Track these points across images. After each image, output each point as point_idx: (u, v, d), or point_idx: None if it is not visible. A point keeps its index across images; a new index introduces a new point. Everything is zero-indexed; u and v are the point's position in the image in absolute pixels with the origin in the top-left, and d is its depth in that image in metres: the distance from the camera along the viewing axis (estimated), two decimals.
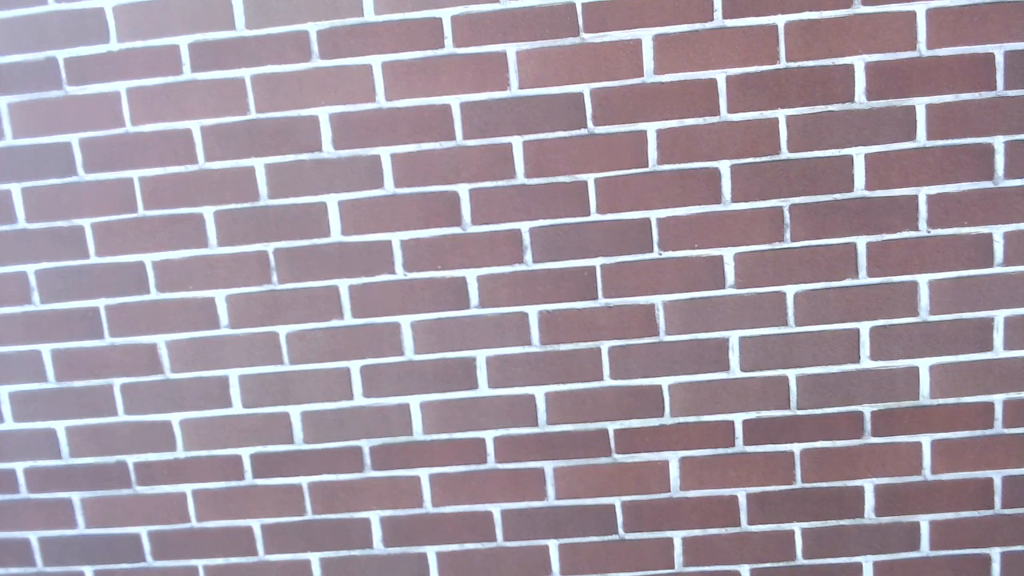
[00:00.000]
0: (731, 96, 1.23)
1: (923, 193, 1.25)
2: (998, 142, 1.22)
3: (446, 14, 1.24)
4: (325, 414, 1.38)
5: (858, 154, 1.24)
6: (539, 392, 1.35)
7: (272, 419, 1.39)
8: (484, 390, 1.36)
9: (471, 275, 1.31)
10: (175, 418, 1.40)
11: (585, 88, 1.25)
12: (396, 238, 1.31)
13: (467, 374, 1.35)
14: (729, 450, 1.36)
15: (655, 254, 1.29)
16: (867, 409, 1.32)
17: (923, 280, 1.27)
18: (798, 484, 1.36)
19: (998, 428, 1.32)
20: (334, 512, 1.41)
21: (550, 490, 1.38)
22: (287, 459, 1.40)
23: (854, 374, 1.31)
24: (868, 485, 1.35)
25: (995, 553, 1.36)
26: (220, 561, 1.44)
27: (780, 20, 1.21)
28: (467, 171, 1.28)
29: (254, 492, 1.41)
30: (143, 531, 1.44)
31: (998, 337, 1.29)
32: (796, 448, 1.35)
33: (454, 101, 1.27)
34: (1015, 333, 1.28)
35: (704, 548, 1.39)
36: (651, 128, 1.25)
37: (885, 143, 1.23)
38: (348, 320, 1.34)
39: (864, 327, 1.29)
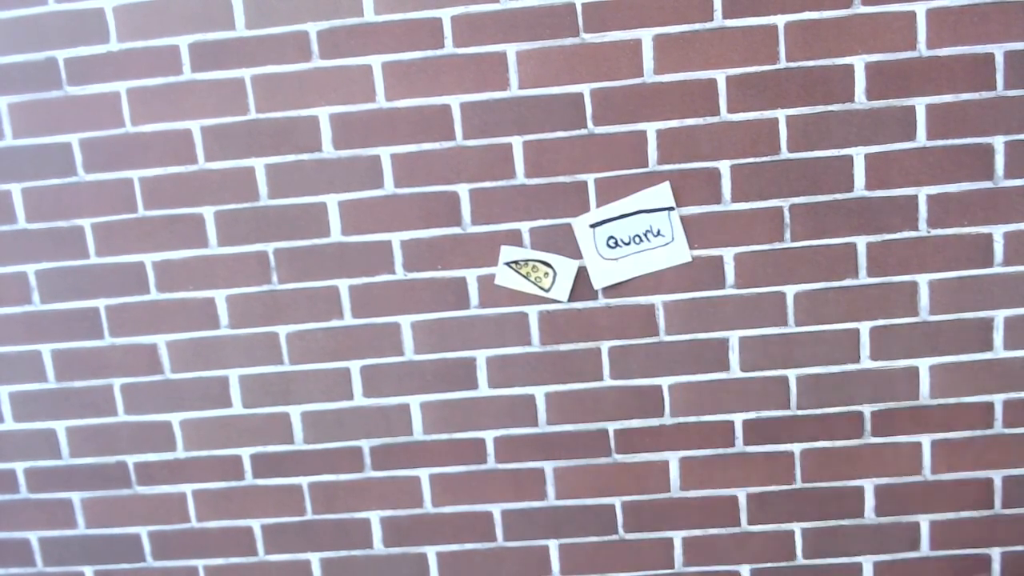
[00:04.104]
0: (731, 96, 1.23)
1: (923, 193, 1.25)
2: (998, 142, 1.22)
3: (446, 14, 1.24)
4: (325, 414, 1.38)
5: (858, 154, 1.24)
6: (539, 392, 1.35)
7: (272, 419, 1.39)
8: (484, 390, 1.36)
9: (471, 275, 1.31)
10: (175, 418, 1.40)
11: (585, 88, 1.25)
12: (396, 238, 1.31)
13: (467, 374, 1.35)
14: (729, 450, 1.35)
15: None
16: (867, 409, 1.32)
17: (923, 280, 1.27)
18: (798, 484, 1.36)
19: (998, 428, 1.32)
20: (334, 512, 1.41)
21: (550, 490, 1.38)
22: (287, 459, 1.40)
23: (854, 374, 1.31)
24: (868, 485, 1.35)
25: (995, 553, 1.36)
26: (220, 561, 1.44)
27: (780, 20, 1.21)
28: (467, 171, 1.28)
29: (254, 492, 1.41)
30: (143, 531, 1.44)
31: (998, 337, 1.28)
32: (796, 448, 1.35)
33: (454, 101, 1.27)
34: (1015, 333, 1.28)
35: (704, 548, 1.39)
36: (651, 128, 1.25)
37: (885, 143, 1.23)
38: (348, 320, 1.34)
39: (864, 327, 1.29)
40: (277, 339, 1.36)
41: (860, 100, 1.23)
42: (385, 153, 1.29)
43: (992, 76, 1.20)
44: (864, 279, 1.28)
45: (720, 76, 1.23)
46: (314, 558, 1.43)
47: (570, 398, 1.35)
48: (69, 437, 1.42)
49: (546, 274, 1.27)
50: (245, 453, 1.40)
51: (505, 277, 1.29)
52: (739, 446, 1.35)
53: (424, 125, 1.28)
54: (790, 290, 1.29)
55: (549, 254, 1.28)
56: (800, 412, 1.33)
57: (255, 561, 1.44)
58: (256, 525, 1.43)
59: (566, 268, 1.28)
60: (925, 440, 1.33)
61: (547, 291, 1.29)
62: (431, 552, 1.42)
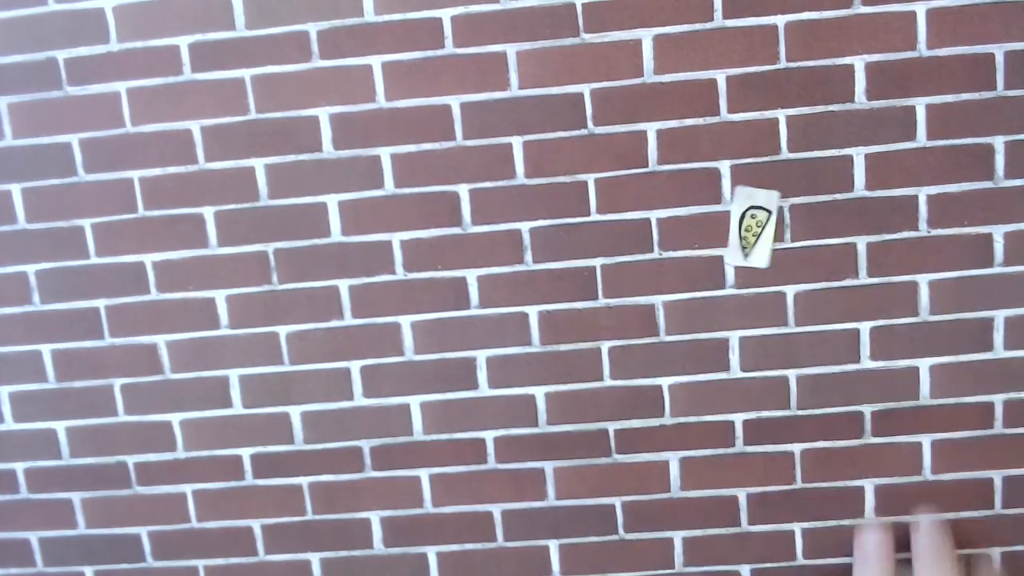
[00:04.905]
0: (731, 96, 1.23)
1: (923, 193, 1.25)
2: (998, 142, 1.22)
3: (446, 14, 1.24)
4: (325, 414, 1.38)
5: (858, 154, 1.24)
6: (539, 392, 1.35)
7: (272, 419, 1.39)
8: (484, 390, 1.36)
9: (471, 275, 1.31)
10: (175, 418, 1.40)
11: (585, 88, 1.25)
12: (396, 238, 1.31)
13: (467, 374, 1.35)
14: (729, 450, 1.35)
15: (655, 254, 1.29)
16: (867, 409, 1.32)
17: (923, 280, 1.27)
18: (798, 484, 1.36)
19: (998, 428, 1.31)
20: (334, 512, 1.41)
21: (550, 490, 1.38)
22: (287, 459, 1.40)
23: (854, 374, 1.31)
24: (868, 485, 1.35)
25: (995, 553, 1.36)
26: (220, 561, 1.44)
27: (780, 20, 1.21)
28: (467, 171, 1.28)
29: (254, 492, 1.41)
30: (143, 531, 1.44)
31: (998, 337, 1.28)
32: (796, 448, 1.35)
33: (454, 101, 1.27)
34: (1015, 333, 1.28)
35: (704, 548, 1.39)
36: (651, 128, 1.25)
37: (885, 143, 1.23)
38: (348, 320, 1.34)
39: (864, 327, 1.29)
40: (277, 339, 1.36)
41: (860, 100, 1.23)
42: (385, 153, 1.29)
43: (992, 76, 1.20)
44: (864, 279, 1.28)
45: (720, 76, 1.23)
46: (314, 558, 1.43)
47: (570, 398, 1.35)
48: (69, 437, 1.42)
49: (755, 234, 1.19)
50: (245, 453, 1.40)
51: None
52: (739, 446, 1.35)
53: (424, 125, 1.28)
54: (790, 290, 1.29)
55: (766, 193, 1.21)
56: (800, 412, 1.33)
57: (255, 561, 1.44)
58: (256, 525, 1.43)
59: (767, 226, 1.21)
60: (925, 440, 1.33)
61: (747, 255, 1.24)
62: (431, 552, 1.42)
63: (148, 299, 1.36)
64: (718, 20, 1.21)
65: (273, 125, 1.29)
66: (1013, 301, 1.27)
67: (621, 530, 1.39)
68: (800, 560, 1.39)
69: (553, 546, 1.40)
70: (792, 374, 1.32)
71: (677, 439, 1.35)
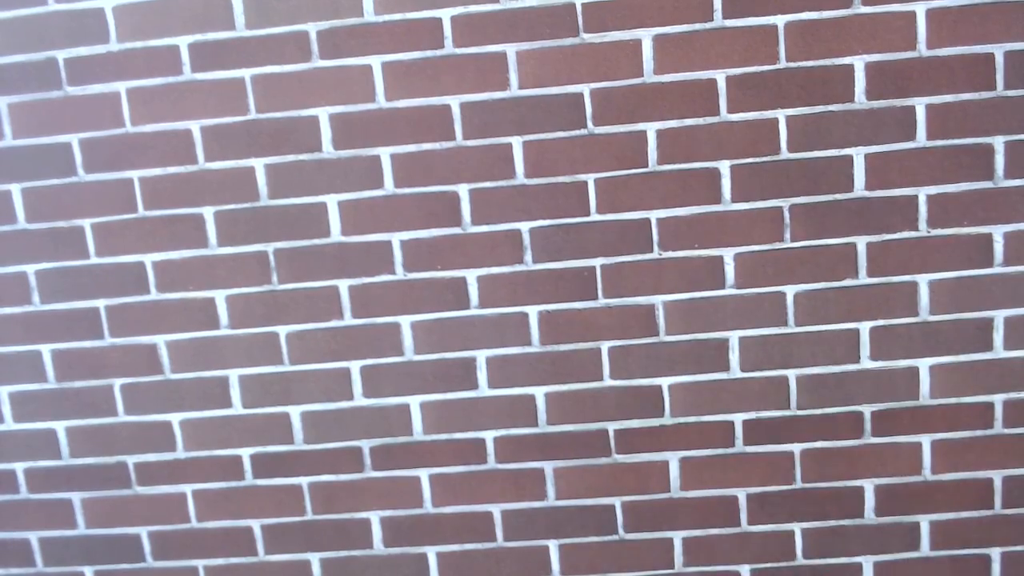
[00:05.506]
0: (731, 96, 1.24)
1: (923, 193, 1.25)
2: (998, 142, 1.22)
3: (446, 14, 1.24)
4: (325, 414, 1.38)
5: (858, 154, 1.24)
6: (539, 392, 1.35)
7: (272, 419, 1.39)
8: (484, 390, 1.36)
9: (471, 275, 1.31)
10: (175, 418, 1.40)
11: (585, 88, 1.25)
12: (396, 238, 1.31)
13: (467, 374, 1.35)
14: (729, 450, 1.36)
15: (655, 254, 1.29)
16: (867, 409, 1.32)
17: (923, 280, 1.27)
18: (798, 484, 1.36)
19: (998, 428, 1.32)
20: (334, 512, 1.41)
21: (550, 490, 1.38)
22: (287, 459, 1.40)
23: (854, 374, 1.31)
24: (868, 485, 1.35)
25: (995, 553, 1.36)
26: (220, 561, 1.44)
27: (780, 20, 1.21)
28: (467, 171, 1.28)
29: (254, 492, 1.41)
30: (143, 531, 1.44)
31: (998, 337, 1.29)
32: (796, 448, 1.35)
33: (454, 101, 1.27)
34: (1015, 333, 1.28)
35: (704, 548, 1.39)
36: (651, 128, 1.25)
37: (885, 143, 1.23)
38: (348, 320, 1.34)
39: (864, 327, 1.29)
40: (277, 339, 1.36)
41: (860, 100, 1.23)
42: (385, 153, 1.29)
43: (992, 76, 1.20)
44: (864, 279, 1.28)
45: (720, 76, 1.23)
46: (314, 558, 1.43)
47: (570, 398, 1.35)
48: (69, 437, 1.42)
49: None
50: (245, 453, 1.40)
51: None
52: (739, 446, 1.35)
53: (424, 125, 1.28)
54: (790, 290, 1.29)
55: None
56: (800, 412, 1.33)
57: (255, 561, 1.44)
58: (256, 525, 1.43)
59: None
60: (925, 440, 1.33)
61: None
62: (431, 552, 1.42)
63: (148, 299, 1.36)
64: (718, 20, 1.21)
65: (273, 125, 1.29)
66: (1013, 301, 1.27)
67: (621, 530, 1.39)
68: (800, 560, 1.39)
69: (553, 546, 1.40)
70: (792, 374, 1.32)
71: (677, 439, 1.36)
